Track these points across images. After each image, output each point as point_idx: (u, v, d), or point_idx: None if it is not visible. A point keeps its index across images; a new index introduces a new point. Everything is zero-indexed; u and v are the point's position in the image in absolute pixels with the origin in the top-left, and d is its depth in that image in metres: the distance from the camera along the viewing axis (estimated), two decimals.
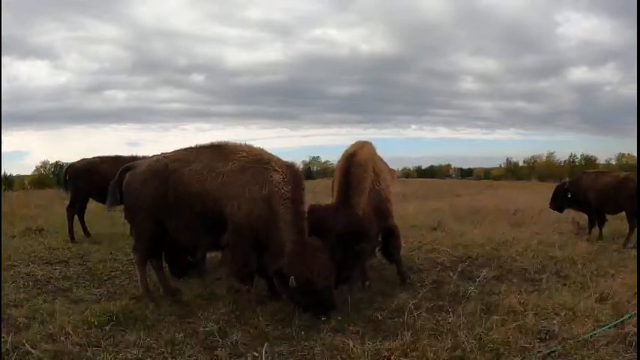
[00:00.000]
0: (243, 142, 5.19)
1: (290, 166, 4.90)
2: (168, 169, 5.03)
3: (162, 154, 5.46)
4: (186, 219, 4.96)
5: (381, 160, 6.18)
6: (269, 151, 5.16)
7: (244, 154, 4.96)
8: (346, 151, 5.72)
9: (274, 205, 4.64)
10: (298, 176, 4.85)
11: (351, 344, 3.76)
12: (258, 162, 4.87)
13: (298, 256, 4.45)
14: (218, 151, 5.08)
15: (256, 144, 5.15)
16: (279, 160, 4.98)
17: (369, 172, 5.38)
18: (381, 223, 5.55)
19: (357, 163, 5.34)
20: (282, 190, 4.66)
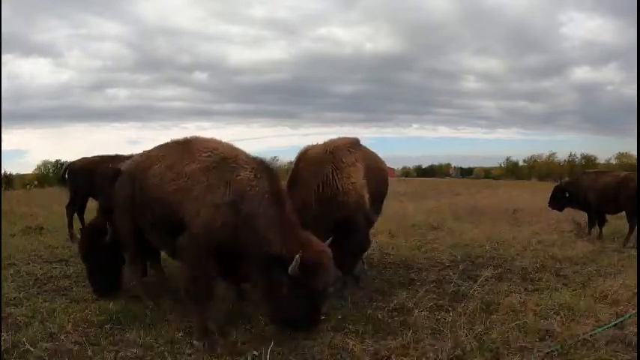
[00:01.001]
0: (214, 138, 4.76)
1: (260, 162, 4.41)
2: (137, 169, 4.79)
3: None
4: (151, 223, 4.65)
5: (355, 152, 5.75)
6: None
7: (210, 152, 4.44)
8: (304, 147, 5.66)
9: (248, 207, 4.03)
10: (271, 170, 4.37)
11: (351, 343, 3.76)
12: (223, 161, 4.32)
13: (299, 239, 3.94)
14: (185, 148, 4.62)
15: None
16: (248, 156, 4.46)
17: (317, 166, 5.23)
18: (335, 217, 5.23)
19: (305, 159, 5.34)
20: (257, 187, 4.12)
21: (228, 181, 4.15)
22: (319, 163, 5.27)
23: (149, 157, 4.83)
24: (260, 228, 3.99)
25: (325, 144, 5.63)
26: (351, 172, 5.36)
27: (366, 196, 5.43)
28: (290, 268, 3.67)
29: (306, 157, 5.40)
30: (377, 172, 5.90)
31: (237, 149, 4.56)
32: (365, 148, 6.14)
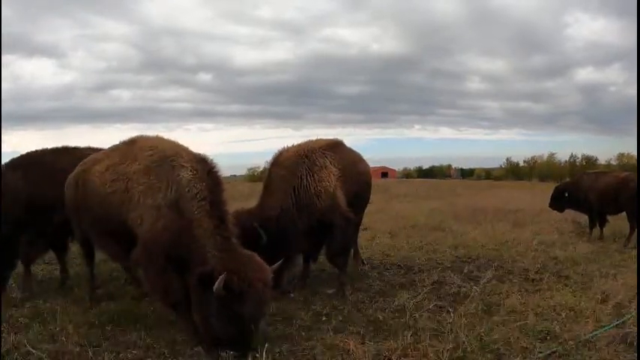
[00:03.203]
0: (159, 136, 4.59)
1: (202, 160, 4.10)
2: (80, 170, 4.67)
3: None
4: (92, 226, 4.52)
5: (331, 154, 5.65)
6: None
7: (151, 151, 4.18)
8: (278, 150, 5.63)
9: (186, 211, 3.79)
10: (214, 171, 4.06)
11: (352, 344, 3.75)
12: (163, 159, 4.05)
13: (232, 259, 3.60)
14: (128, 148, 4.40)
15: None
16: (189, 153, 4.17)
17: (291, 170, 5.23)
18: (310, 220, 5.26)
19: (278, 163, 5.34)
20: (195, 191, 3.84)
21: (169, 181, 3.90)
22: (293, 167, 5.27)
23: (94, 157, 4.69)
24: (197, 238, 3.71)
25: (299, 147, 5.62)
26: (324, 175, 5.37)
27: (342, 198, 5.43)
28: (214, 287, 3.34)
29: (280, 161, 5.38)
30: (355, 174, 5.89)
31: (180, 147, 4.29)
32: (346, 149, 6.14)
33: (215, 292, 3.34)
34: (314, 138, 5.94)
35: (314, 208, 5.21)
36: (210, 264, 3.56)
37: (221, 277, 3.32)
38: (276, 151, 5.60)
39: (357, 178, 5.92)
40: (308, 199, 5.20)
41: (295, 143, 5.78)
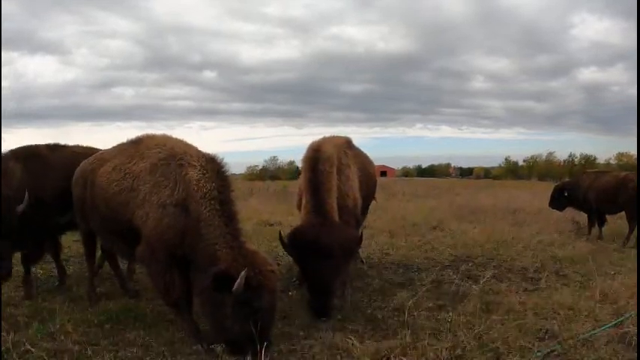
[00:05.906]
0: (165, 134, 4.60)
1: (211, 160, 4.07)
2: (88, 168, 4.71)
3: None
4: (100, 225, 4.61)
5: (350, 153, 5.69)
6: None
7: (158, 149, 4.21)
8: (311, 145, 5.37)
9: (194, 210, 3.79)
10: (223, 171, 4.03)
11: (351, 343, 3.76)
12: (170, 157, 4.07)
13: (242, 255, 3.61)
14: (135, 147, 4.45)
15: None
16: (197, 152, 4.16)
17: (334, 166, 5.07)
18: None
19: (324, 160, 5.00)
20: (204, 190, 3.83)
21: (176, 180, 3.92)
22: (334, 165, 5.07)
23: (101, 156, 4.73)
24: (205, 237, 3.71)
25: (331, 143, 5.47)
26: (349, 174, 5.32)
27: (359, 200, 5.39)
28: (235, 286, 3.34)
29: (325, 157, 5.04)
30: (366, 175, 5.87)
31: (187, 145, 4.30)
32: (357, 148, 6.12)
33: (235, 290, 3.35)
34: (316, 136, 5.88)
35: (343, 208, 5.03)
36: (222, 263, 3.56)
37: (242, 274, 3.34)
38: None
39: (367, 179, 5.94)
40: (341, 199, 5.03)
41: (316, 139, 5.59)
